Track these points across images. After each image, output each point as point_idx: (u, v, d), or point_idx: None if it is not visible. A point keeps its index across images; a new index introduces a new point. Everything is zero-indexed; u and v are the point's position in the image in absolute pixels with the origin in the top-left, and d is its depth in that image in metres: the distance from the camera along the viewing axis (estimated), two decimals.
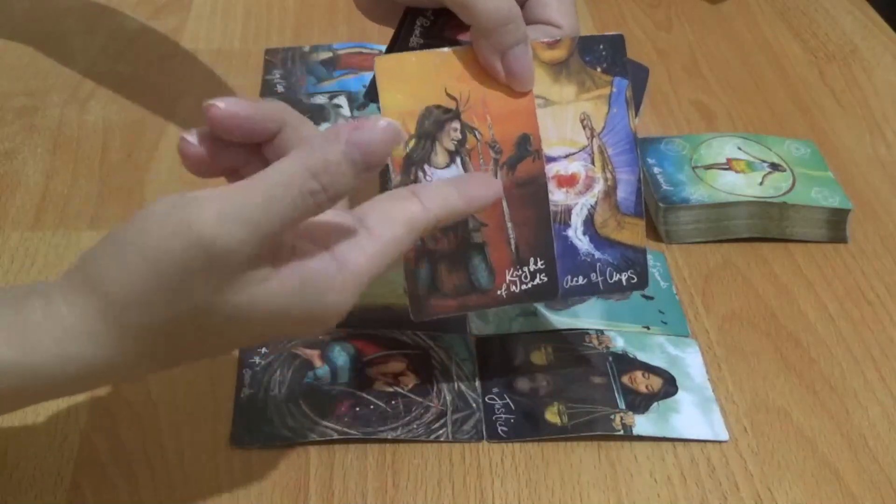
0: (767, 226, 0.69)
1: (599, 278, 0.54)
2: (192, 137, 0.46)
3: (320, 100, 0.79)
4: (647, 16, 0.96)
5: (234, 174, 0.47)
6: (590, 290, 0.54)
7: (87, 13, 0.89)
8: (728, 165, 0.71)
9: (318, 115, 0.77)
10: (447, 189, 0.47)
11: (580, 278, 0.53)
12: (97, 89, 0.80)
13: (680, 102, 0.84)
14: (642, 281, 0.54)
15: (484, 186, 0.49)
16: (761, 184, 0.70)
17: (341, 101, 0.79)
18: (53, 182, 0.71)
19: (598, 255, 0.54)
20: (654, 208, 0.68)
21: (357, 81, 0.81)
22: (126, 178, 0.71)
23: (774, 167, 0.71)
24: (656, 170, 0.71)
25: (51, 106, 0.78)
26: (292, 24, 0.91)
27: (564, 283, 0.53)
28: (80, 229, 0.66)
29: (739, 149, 0.73)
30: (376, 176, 0.49)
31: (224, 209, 0.40)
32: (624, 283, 0.54)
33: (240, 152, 0.47)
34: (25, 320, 0.41)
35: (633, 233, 0.54)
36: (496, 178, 0.51)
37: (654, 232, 0.69)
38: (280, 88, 0.81)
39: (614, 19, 0.95)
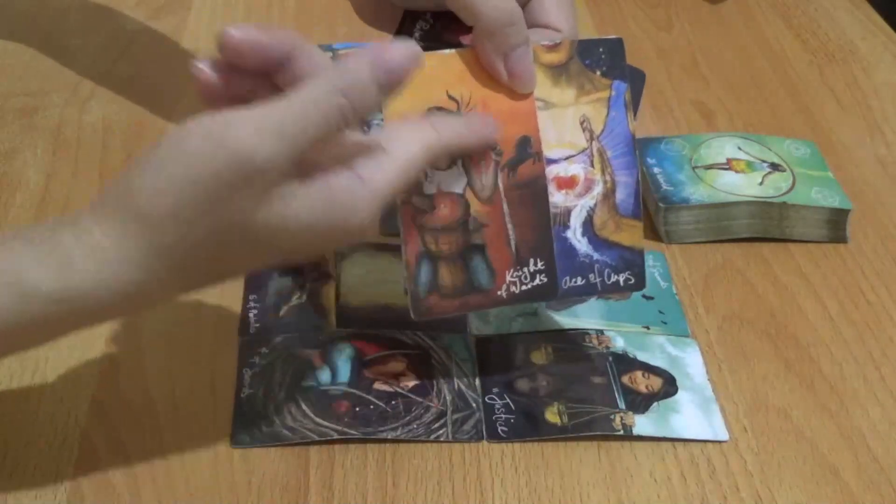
0: (767, 226, 0.69)
1: (598, 279, 0.54)
2: (204, 65, 0.47)
3: None
4: (647, 16, 0.96)
5: (244, 103, 0.48)
6: (588, 291, 0.54)
7: (87, 13, 0.89)
8: (728, 165, 0.71)
9: None
10: (457, 121, 0.51)
11: (579, 279, 0.54)
12: (97, 89, 0.80)
13: (680, 102, 0.84)
14: (640, 282, 0.55)
15: (488, 125, 0.51)
16: (761, 184, 0.70)
17: None
18: (53, 182, 0.71)
19: (596, 256, 0.54)
20: (655, 208, 0.68)
21: None
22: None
23: (774, 167, 0.71)
24: (656, 170, 0.71)
25: (51, 106, 0.78)
26: (292, 24, 0.91)
27: (563, 284, 0.53)
28: None
29: (739, 149, 0.73)
30: None
31: (261, 124, 0.42)
32: (622, 284, 0.54)
33: (249, 80, 0.48)
34: (60, 250, 0.42)
35: (631, 234, 0.54)
36: (497, 180, 0.52)
37: (654, 232, 0.69)
38: None
39: (614, 19, 0.95)
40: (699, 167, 0.71)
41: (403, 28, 0.55)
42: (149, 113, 0.77)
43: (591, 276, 0.54)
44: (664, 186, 0.69)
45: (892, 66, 0.90)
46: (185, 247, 0.43)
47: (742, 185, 0.69)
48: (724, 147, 0.73)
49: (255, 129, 0.42)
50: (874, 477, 0.54)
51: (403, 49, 0.45)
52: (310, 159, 0.44)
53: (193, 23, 0.89)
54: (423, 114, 0.50)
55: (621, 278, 0.54)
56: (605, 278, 0.54)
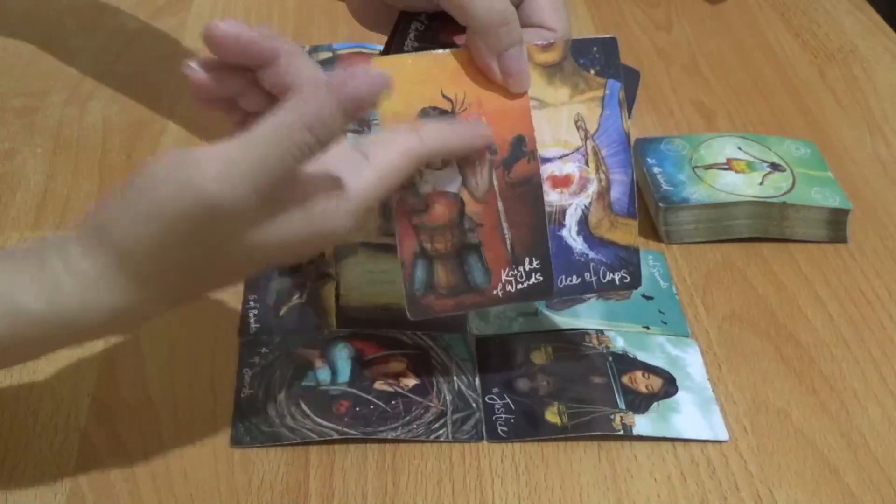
0: (767, 226, 0.69)
1: (593, 278, 0.54)
2: (196, 65, 0.49)
3: None
4: (647, 16, 0.96)
5: (233, 105, 0.50)
6: (584, 290, 0.54)
7: (87, 13, 0.89)
8: (728, 165, 0.71)
9: None
10: (444, 126, 0.50)
11: (574, 278, 0.54)
12: (97, 89, 0.80)
13: (680, 102, 0.84)
14: (635, 280, 0.55)
15: (479, 128, 0.51)
16: (761, 184, 0.70)
17: None
18: (53, 182, 0.71)
19: (591, 254, 0.54)
20: (654, 208, 0.68)
21: None
22: (126, 178, 0.71)
23: (774, 167, 0.71)
24: (656, 170, 0.71)
25: (51, 106, 0.78)
26: (292, 24, 0.91)
27: (559, 283, 0.53)
28: None
29: (739, 149, 0.73)
30: None
31: (226, 166, 0.42)
32: (617, 282, 0.54)
33: (238, 81, 0.49)
34: (48, 274, 0.44)
35: (626, 233, 0.54)
36: (492, 179, 0.52)
37: (653, 232, 0.69)
38: None
39: (614, 19, 0.95)
40: (699, 167, 0.71)
41: (398, 29, 0.56)
42: (149, 113, 0.77)
43: (587, 275, 0.54)
44: (664, 186, 0.69)
45: (892, 66, 0.90)
46: (164, 275, 0.45)
47: (742, 185, 0.69)
48: (724, 147, 0.73)
49: (219, 171, 0.42)
50: (874, 477, 0.54)
51: (369, 77, 0.44)
52: (288, 177, 0.44)
53: (193, 23, 0.89)
54: (415, 117, 0.50)
55: (617, 276, 0.54)
56: (601, 277, 0.54)
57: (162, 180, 0.43)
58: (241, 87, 0.49)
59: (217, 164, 0.42)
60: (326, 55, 0.85)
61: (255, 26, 0.48)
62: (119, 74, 0.82)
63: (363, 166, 0.47)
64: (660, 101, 0.83)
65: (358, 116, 0.45)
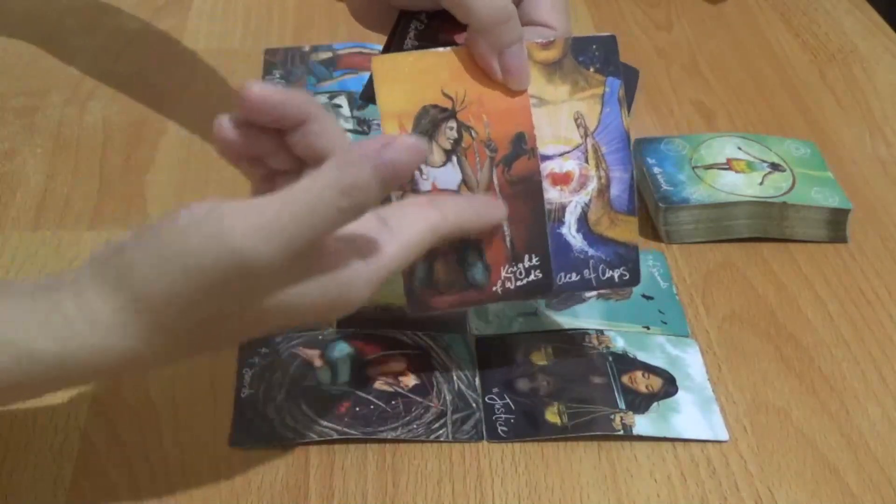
0: (767, 226, 0.69)
1: (592, 275, 0.54)
2: (226, 122, 0.47)
3: (320, 100, 0.79)
4: (647, 16, 0.96)
5: (260, 163, 0.49)
6: (583, 287, 0.54)
7: (87, 13, 0.89)
8: (728, 165, 0.71)
9: None
10: (463, 202, 0.51)
11: (573, 275, 0.54)
12: (97, 89, 0.80)
13: (680, 102, 0.84)
14: (634, 277, 0.55)
15: (494, 207, 0.52)
16: (761, 184, 0.70)
17: (341, 101, 0.79)
18: (53, 182, 0.71)
19: (591, 251, 0.54)
20: (654, 208, 0.68)
21: (357, 81, 0.81)
22: (126, 178, 0.71)
23: (774, 167, 0.71)
24: (656, 170, 0.71)
25: (51, 106, 0.78)
26: (292, 24, 0.91)
27: (558, 280, 0.53)
28: (80, 229, 0.66)
29: (739, 149, 0.73)
30: None
31: (259, 223, 0.41)
32: (616, 279, 0.55)
33: (268, 141, 0.48)
34: (60, 314, 0.42)
35: (625, 230, 0.54)
36: (492, 176, 0.52)
37: (653, 232, 0.69)
38: None
39: (614, 19, 0.95)
40: (699, 167, 0.71)
41: (398, 28, 0.56)
42: (149, 113, 0.77)
43: (586, 272, 0.54)
44: (664, 186, 0.69)
45: (892, 66, 0.90)
46: (181, 326, 0.43)
47: (742, 185, 0.69)
48: (724, 147, 0.73)
49: (252, 227, 0.41)
50: (874, 477, 0.54)
51: (408, 145, 0.43)
52: (315, 245, 0.44)
53: (193, 23, 0.89)
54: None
55: (616, 274, 0.54)
56: (600, 274, 0.54)
57: (191, 228, 0.41)
58: (271, 147, 0.48)
59: (251, 220, 0.41)
60: (326, 55, 0.85)
61: (286, 88, 0.47)
62: (119, 74, 0.82)
63: (386, 237, 0.46)
64: (660, 101, 0.83)
65: (395, 186, 0.44)
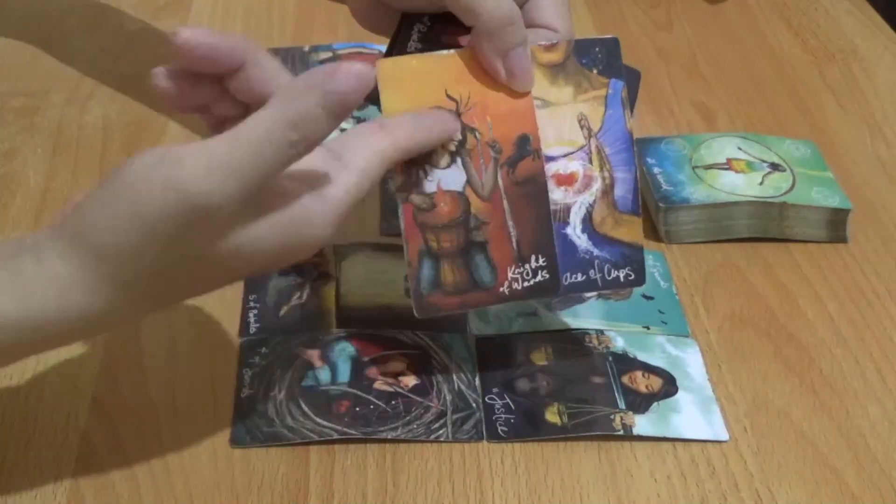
0: (767, 226, 0.69)
1: (598, 275, 0.54)
2: (161, 72, 0.47)
3: None
4: (647, 16, 0.96)
5: (207, 112, 0.49)
6: (589, 287, 0.54)
7: (87, 13, 0.89)
8: (728, 165, 0.71)
9: None
10: (409, 121, 0.50)
11: (579, 275, 0.54)
12: (97, 89, 0.80)
13: (680, 102, 0.84)
14: (639, 278, 0.55)
15: (443, 121, 0.51)
16: (761, 184, 0.70)
17: None
18: (53, 182, 0.71)
19: (596, 252, 0.54)
20: (654, 208, 0.68)
21: None
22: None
23: (774, 167, 0.71)
24: (656, 170, 0.71)
25: (51, 106, 0.78)
26: (292, 24, 0.91)
27: (564, 280, 0.54)
28: None
29: (739, 149, 0.73)
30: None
31: (211, 164, 0.41)
32: (622, 279, 0.55)
33: (209, 89, 0.48)
34: (21, 276, 0.42)
35: (630, 230, 0.54)
36: (497, 178, 0.52)
37: (654, 232, 0.69)
38: None
39: (614, 19, 0.95)
40: (699, 167, 0.71)
41: (401, 31, 0.56)
42: (149, 113, 0.77)
43: (592, 272, 0.54)
44: (664, 186, 0.69)
45: (892, 66, 0.90)
46: (142, 278, 0.43)
47: (742, 185, 0.69)
48: (724, 147, 0.73)
49: (206, 168, 0.41)
50: (874, 477, 0.54)
51: (353, 72, 0.43)
52: (269, 184, 0.43)
53: (193, 23, 0.89)
54: (377, 123, 0.49)
55: (621, 274, 0.55)
56: (606, 274, 0.54)
57: (142, 178, 0.41)
58: (213, 95, 0.48)
59: (202, 162, 0.41)
60: (326, 55, 0.85)
61: (220, 31, 0.47)
62: (119, 74, 0.82)
63: (340, 170, 0.46)
64: (660, 101, 0.83)
65: (344, 116, 0.44)
